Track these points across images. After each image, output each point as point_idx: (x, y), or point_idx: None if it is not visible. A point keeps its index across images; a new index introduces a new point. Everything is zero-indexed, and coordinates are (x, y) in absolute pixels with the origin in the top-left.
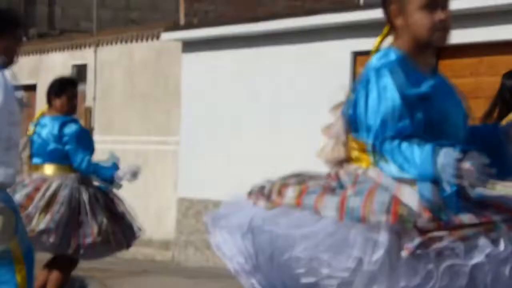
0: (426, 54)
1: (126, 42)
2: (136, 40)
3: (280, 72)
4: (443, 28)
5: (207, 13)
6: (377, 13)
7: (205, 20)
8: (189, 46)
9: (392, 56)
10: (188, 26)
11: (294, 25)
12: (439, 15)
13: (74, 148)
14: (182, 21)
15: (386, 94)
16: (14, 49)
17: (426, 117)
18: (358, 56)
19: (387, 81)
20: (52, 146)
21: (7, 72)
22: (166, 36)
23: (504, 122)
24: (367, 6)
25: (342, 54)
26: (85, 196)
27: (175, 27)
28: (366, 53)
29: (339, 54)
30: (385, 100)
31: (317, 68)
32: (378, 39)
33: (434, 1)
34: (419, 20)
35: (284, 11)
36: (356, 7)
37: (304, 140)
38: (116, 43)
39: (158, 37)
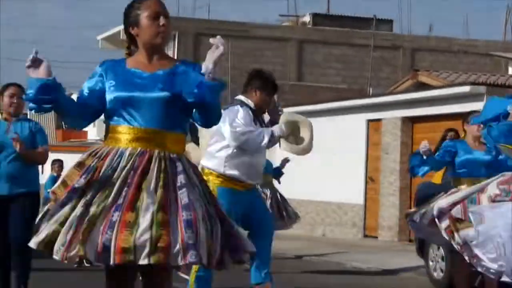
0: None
1: None
2: None
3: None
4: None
5: None
6: (381, 99)
7: None
8: None
9: None
10: None
11: (330, 106)
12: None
13: None
14: None
15: None
16: (267, 104)
17: None
18: (370, 122)
19: None
20: None
21: (249, 112)
22: None
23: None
24: (373, 95)
25: (359, 122)
26: None
27: None
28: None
29: (357, 122)
30: None
31: (339, 132)
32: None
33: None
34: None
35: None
36: (367, 96)
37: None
38: None
39: None
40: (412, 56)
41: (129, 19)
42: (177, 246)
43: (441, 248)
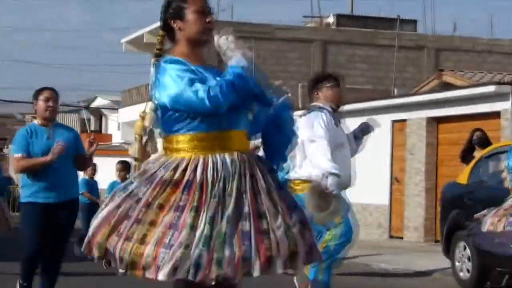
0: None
1: None
2: None
3: None
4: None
5: None
6: (405, 99)
7: None
8: None
9: None
10: None
11: (355, 107)
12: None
13: None
14: None
15: None
16: (340, 98)
17: None
18: (395, 123)
19: None
20: None
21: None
22: None
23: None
24: (398, 95)
25: (384, 123)
26: None
27: None
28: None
29: (382, 123)
30: None
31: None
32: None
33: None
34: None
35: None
36: (392, 96)
37: None
38: None
39: None
40: (436, 56)
41: (171, 12)
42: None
43: (467, 248)
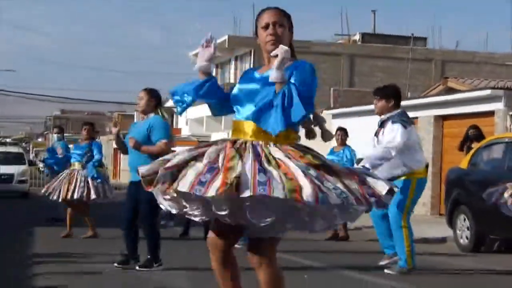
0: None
1: None
2: None
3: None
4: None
5: None
6: (416, 101)
7: None
8: None
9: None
10: None
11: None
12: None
13: None
14: None
15: None
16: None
17: None
18: None
19: None
20: None
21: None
22: None
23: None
24: (411, 98)
25: None
26: None
27: None
28: (413, 118)
29: None
30: None
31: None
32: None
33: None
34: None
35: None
36: (406, 98)
37: None
38: None
39: None
40: (442, 67)
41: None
42: None
43: (466, 220)
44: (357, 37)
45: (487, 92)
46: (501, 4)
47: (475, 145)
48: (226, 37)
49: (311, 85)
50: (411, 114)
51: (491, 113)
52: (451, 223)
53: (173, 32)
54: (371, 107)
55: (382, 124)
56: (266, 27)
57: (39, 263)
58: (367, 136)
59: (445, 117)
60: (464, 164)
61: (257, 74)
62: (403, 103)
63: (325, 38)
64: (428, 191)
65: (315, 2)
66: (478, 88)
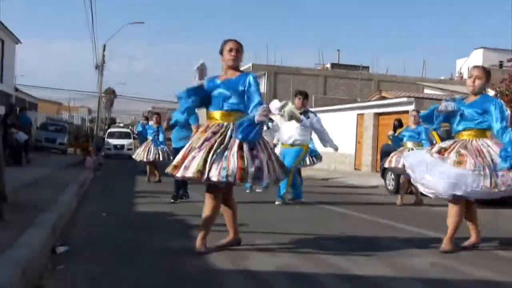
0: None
1: None
2: None
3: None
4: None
5: None
6: (363, 104)
7: None
8: None
9: None
10: None
11: (340, 107)
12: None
13: None
14: None
15: None
16: (299, 104)
17: None
18: (358, 115)
19: None
20: None
21: None
22: None
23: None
24: (360, 101)
25: (352, 115)
26: None
27: None
28: (361, 115)
29: (351, 115)
30: None
31: (343, 121)
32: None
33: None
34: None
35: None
36: (357, 101)
37: None
38: None
39: None
40: (378, 84)
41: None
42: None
43: (392, 174)
44: (328, 65)
45: (404, 99)
46: (414, 42)
47: (398, 131)
48: (250, 64)
49: (258, 90)
50: (360, 111)
51: (407, 112)
52: (383, 176)
53: None
54: (339, 107)
55: None
56: (231, 50)
57: (140, 197)
58: (335, 127)
59: (380, 114)
60: (389, 142)
61: (218, 81)
62: (355, 105)
63: (309, 65)
64: (369, 158)
65: (304, 45)
66: (399, 96)
